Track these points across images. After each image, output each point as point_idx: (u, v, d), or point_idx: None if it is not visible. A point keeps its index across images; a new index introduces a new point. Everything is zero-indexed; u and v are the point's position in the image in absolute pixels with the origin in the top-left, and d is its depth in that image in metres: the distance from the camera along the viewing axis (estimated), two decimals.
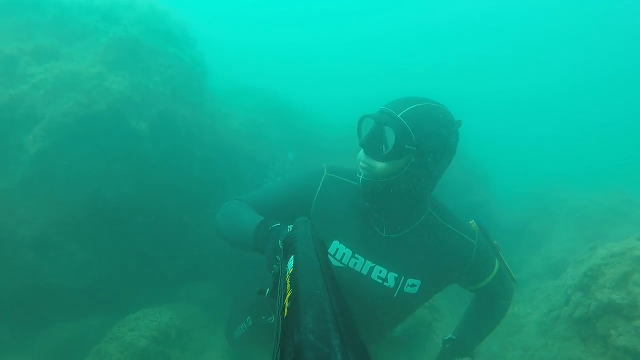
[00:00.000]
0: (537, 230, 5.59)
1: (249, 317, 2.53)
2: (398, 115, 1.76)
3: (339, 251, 2.00)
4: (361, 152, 1.86)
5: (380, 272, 1.99)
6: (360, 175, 1.86)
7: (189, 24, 4.13)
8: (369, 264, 1.99)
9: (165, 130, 3.36)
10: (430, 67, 20.88)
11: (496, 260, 2.16)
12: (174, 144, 3.42)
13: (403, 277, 2.00)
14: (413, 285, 2.02)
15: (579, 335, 2.37)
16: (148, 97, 3.28)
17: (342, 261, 2.00)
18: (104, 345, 2.60)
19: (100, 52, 3.22)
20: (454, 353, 2.22)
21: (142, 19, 3.46)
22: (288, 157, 4.50)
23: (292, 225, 1.43)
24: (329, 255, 1.99)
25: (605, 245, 2.72)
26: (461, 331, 2.26)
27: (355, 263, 1.99)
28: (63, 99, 3.00)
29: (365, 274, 1.99)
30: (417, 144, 1.72)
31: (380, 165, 1.79)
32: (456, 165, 5.50)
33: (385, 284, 1.99)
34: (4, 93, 2.99)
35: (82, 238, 3.26)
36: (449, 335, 2.24)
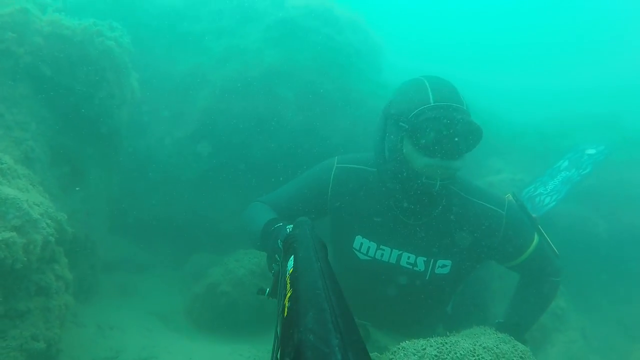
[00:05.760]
0: None
1: None
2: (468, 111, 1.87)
3: (364, 245, 2.07)
4: (431, 158, 1.79)
5: (409, 257, 2.02)
6: (436, 181, 1.82)
7: (361, 21, 4.39)
8: (396, 252, 2.03)
9: (309, 99, 3.70)
10: None
11: (535, 235, 2.03)
12: (316, 113, 3.73)
13: (432, 260, 2.02)
14: (444, 266, 2.03)
15: None
16: (296, 69, 3.68)
17: (369, 254, 2.07)
18: (215, 268, 3.05)
19: (262, 30, 3.77)
20: None
21: (306, 4, 3.88)
22: None
23: (291, 225, 1.44)
24: (354, 251, 2.09)
25: None
26: (510, 315, 2.08)
27: (382, 254, 2.04)
28: (227, 66, 3.63)
29: (394, 262, 2.03)
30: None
31: (458, 164, 1.82)
32: None
33: (415, 268, 2.02)
34: (189, 62, 3.78)
35: (233, 187, 3.84)
36: (498, 320, 2.05)
